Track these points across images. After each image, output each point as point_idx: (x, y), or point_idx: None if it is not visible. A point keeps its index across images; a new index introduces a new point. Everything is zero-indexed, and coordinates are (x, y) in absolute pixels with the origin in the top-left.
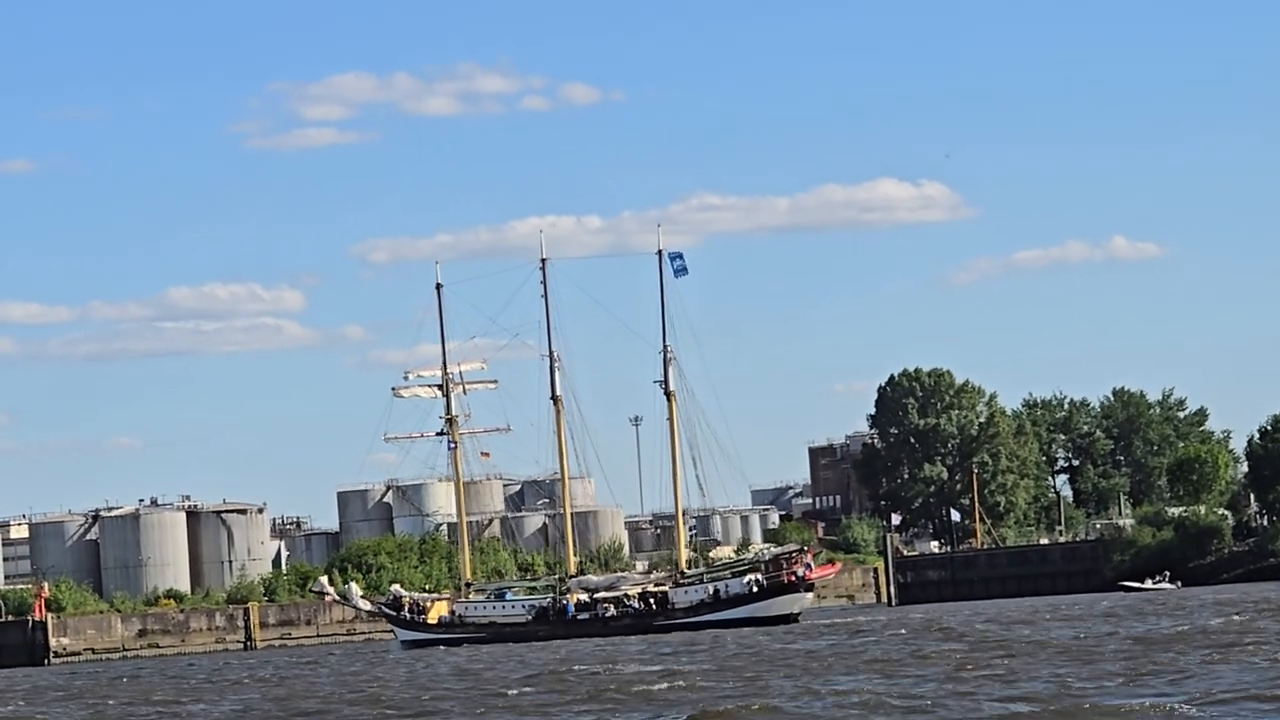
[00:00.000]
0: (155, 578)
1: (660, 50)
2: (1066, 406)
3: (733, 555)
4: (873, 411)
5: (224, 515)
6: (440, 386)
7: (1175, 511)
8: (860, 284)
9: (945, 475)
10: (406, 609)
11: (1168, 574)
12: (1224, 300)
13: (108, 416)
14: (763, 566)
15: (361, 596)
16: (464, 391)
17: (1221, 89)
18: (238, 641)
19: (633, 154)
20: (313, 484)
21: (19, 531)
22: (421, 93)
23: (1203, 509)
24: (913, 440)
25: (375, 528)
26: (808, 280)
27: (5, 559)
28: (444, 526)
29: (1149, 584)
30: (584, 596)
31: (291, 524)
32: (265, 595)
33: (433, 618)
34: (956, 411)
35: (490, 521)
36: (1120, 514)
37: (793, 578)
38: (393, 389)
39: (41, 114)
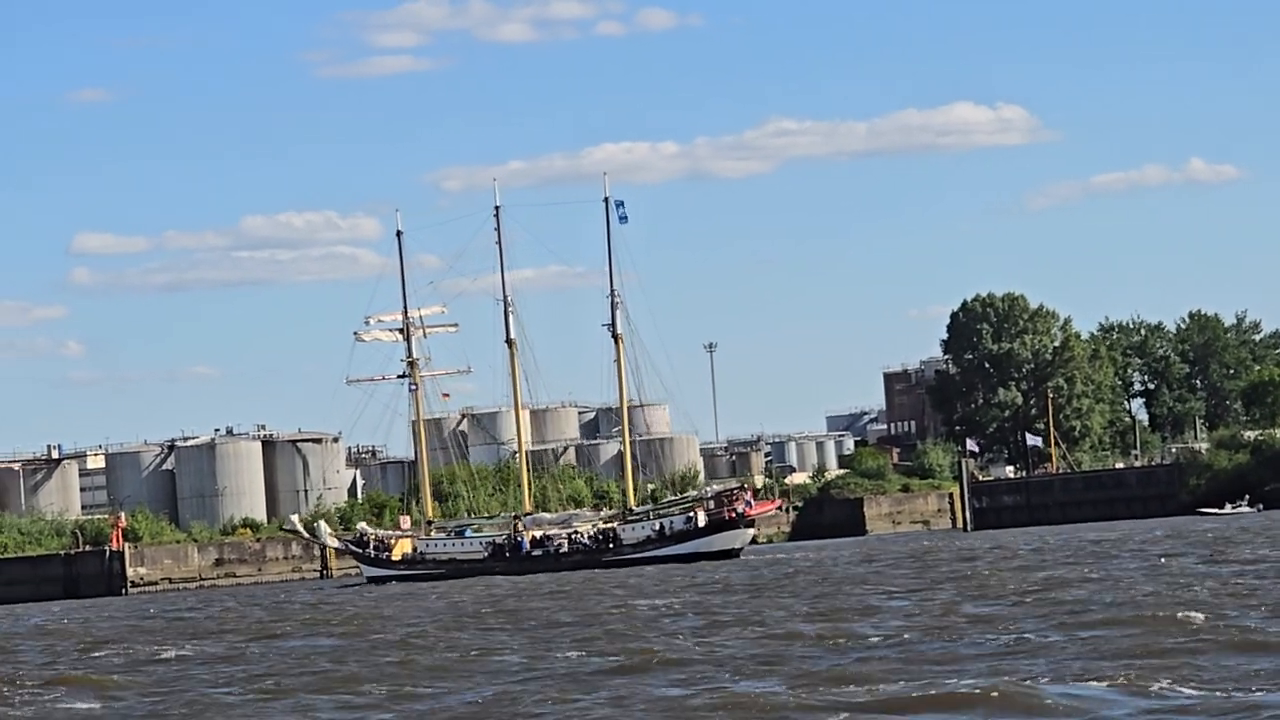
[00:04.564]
0: (231, 507)
1: None
2: (1142, 330)
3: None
4: (945, 337)
5: (299, 444)
6: (401, 330)
7: (1251, 435)
8: (936, 208)
9: (1020, 400)
10: (371, 546)
11: (1248, 498)
12: None
13: (183, 346)
14: (706, 503)
15: (330, 534)
16: (424, 335)
17: None
18: (314, 570)
19: (709, 79)
20: (387, 412)
21: (95, 462)
22: (495, 19)
23: (1278, 432)
24: (987, 365)
25: (449, 455)
26: (884, 205)
27: (82, 489)
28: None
29: (1228, 508)
30: (538, 533)
31: (367, 453)
32: (341, 524)
33: (397, 555)
34: (1030, 336)
35: (565, 449)
36: (1196, 438)
37: (733, 514)
38: (354, 333)
39: (115, 43)
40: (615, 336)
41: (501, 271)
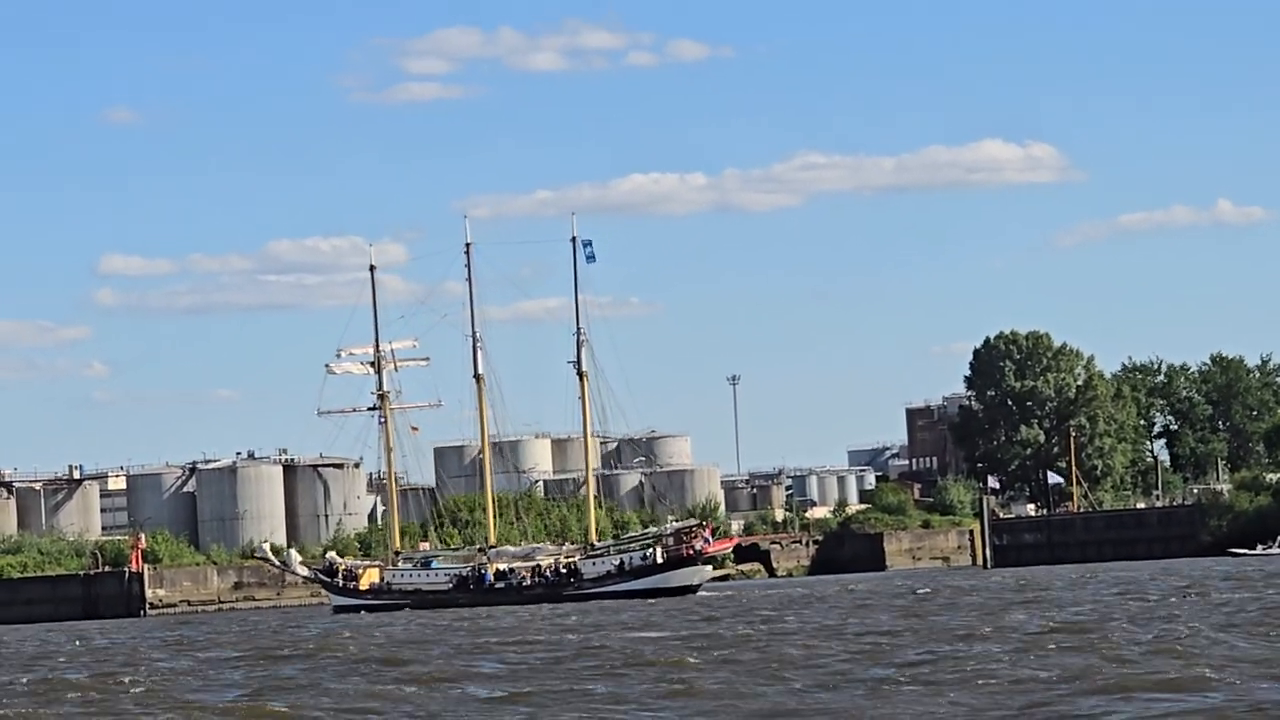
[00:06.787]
0: (251, 531)
1: (769, 6)
2: (1165, 371)
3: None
4: (969, 374)
5: (321, 469)
6: (372, 364)
7: (1273, 477)
8: (963, 245)
9: (1042, 438)
10: (340, 576)
11: (1279, 539)
12: None
13: (207, 369)
14: (666, 540)
15: (300, 563)
16: (395, 368)
17: None
18: None
19: (738, 111)
20: (411, 439)
21: (117, 483)
22: (527, 48)
23: None
24: (1010, 402)
25: (471, 483)
26: (909, 241)
27: (103, 510)
28: (540, 483)
29: (1259, 549)
30: (502, 566)
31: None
32: (361, 550)
33: (364, 584)
34: (1054, 374)
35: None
36: (1218, 479)
37: (691, 551)
38: (326, 365)
39: (147, 64)
40: (580, 374)
41: (471, 308)
